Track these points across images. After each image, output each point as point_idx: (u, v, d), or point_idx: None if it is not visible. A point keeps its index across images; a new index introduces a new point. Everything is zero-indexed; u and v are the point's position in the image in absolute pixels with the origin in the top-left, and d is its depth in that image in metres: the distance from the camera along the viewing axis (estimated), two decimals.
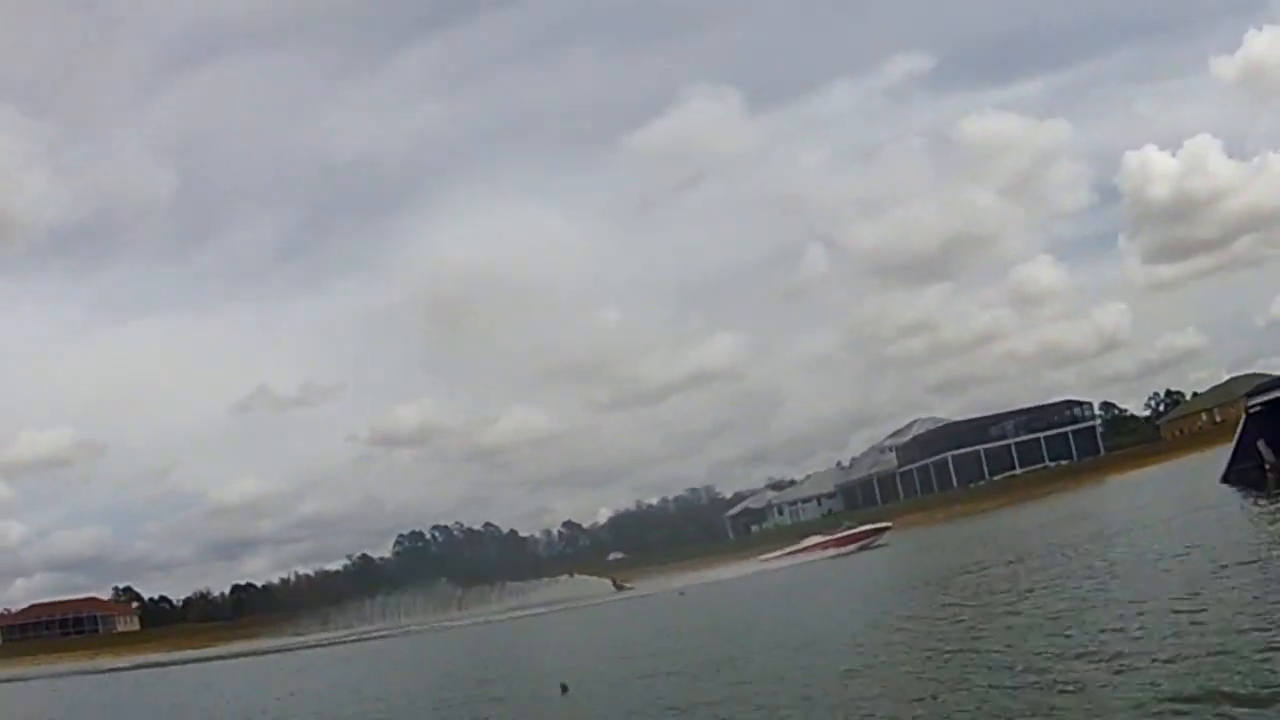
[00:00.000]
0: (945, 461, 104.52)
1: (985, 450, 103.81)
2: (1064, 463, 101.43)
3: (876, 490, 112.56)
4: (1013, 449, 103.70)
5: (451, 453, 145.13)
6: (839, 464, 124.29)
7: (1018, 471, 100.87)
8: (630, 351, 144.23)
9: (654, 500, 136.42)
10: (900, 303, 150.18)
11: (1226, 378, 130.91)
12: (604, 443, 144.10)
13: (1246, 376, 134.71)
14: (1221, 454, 40.61)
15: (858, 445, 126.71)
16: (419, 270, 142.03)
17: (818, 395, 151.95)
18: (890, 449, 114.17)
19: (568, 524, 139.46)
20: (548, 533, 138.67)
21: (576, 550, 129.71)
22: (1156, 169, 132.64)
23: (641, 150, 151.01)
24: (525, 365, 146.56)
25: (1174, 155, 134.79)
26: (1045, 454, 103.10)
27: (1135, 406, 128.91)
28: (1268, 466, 36.53)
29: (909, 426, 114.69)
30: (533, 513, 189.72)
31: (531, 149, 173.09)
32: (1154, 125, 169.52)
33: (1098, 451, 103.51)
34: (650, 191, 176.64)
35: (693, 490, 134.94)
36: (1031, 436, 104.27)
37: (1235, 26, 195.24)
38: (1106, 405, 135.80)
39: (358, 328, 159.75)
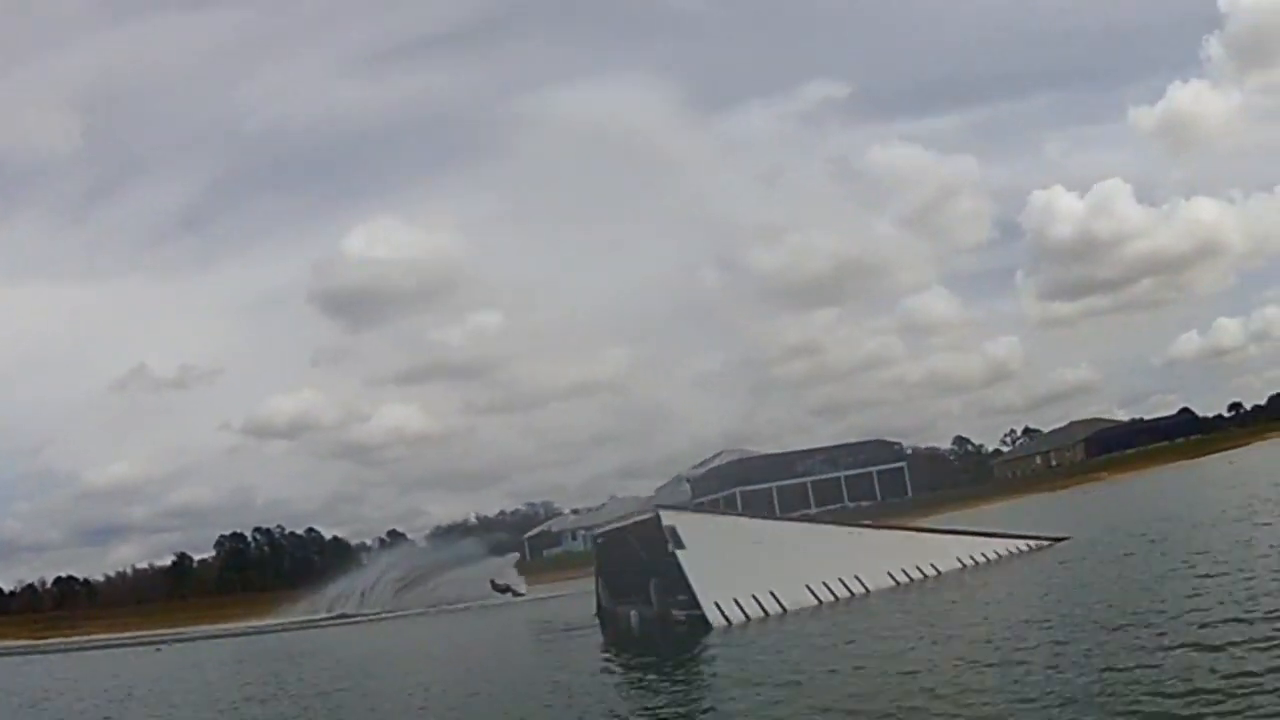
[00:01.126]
0: (734, 497, 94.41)
1: (778, 487, 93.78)
2: (864, 504, 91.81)
3: None
4: (809, 487, 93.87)
5: (324, 448, 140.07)
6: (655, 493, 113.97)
7: (811, 511, 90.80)
8: (513, 356, 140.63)
9: (493, 513, 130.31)
10: (791, 326, 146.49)
11: (1067, 421, 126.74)
12: (480, 446, 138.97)
13: (1086, 420, 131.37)
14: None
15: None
16: (313, 257, 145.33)
17: (701, 413, 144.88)
18: (687, 480, 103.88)
19: (391, 533, 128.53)
20: (380, 540, 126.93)
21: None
22: (1062, 209, 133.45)
23: (536, 154, 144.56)
24: (406, 363, 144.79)
25: (1082, 197, 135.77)
26: (845, 494, 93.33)
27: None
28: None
29: (715, 456, 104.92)
30: (404, 514, 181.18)
31: (437, 143, 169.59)
32: (1064, 167, 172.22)
33: (905, 493, 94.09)
34: (543, 196, 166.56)
35: (530, 504, 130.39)
36: (832, 475, 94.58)
37: (1161, 78, 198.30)
38: (961, 440, 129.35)
39: (244, 311, 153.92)
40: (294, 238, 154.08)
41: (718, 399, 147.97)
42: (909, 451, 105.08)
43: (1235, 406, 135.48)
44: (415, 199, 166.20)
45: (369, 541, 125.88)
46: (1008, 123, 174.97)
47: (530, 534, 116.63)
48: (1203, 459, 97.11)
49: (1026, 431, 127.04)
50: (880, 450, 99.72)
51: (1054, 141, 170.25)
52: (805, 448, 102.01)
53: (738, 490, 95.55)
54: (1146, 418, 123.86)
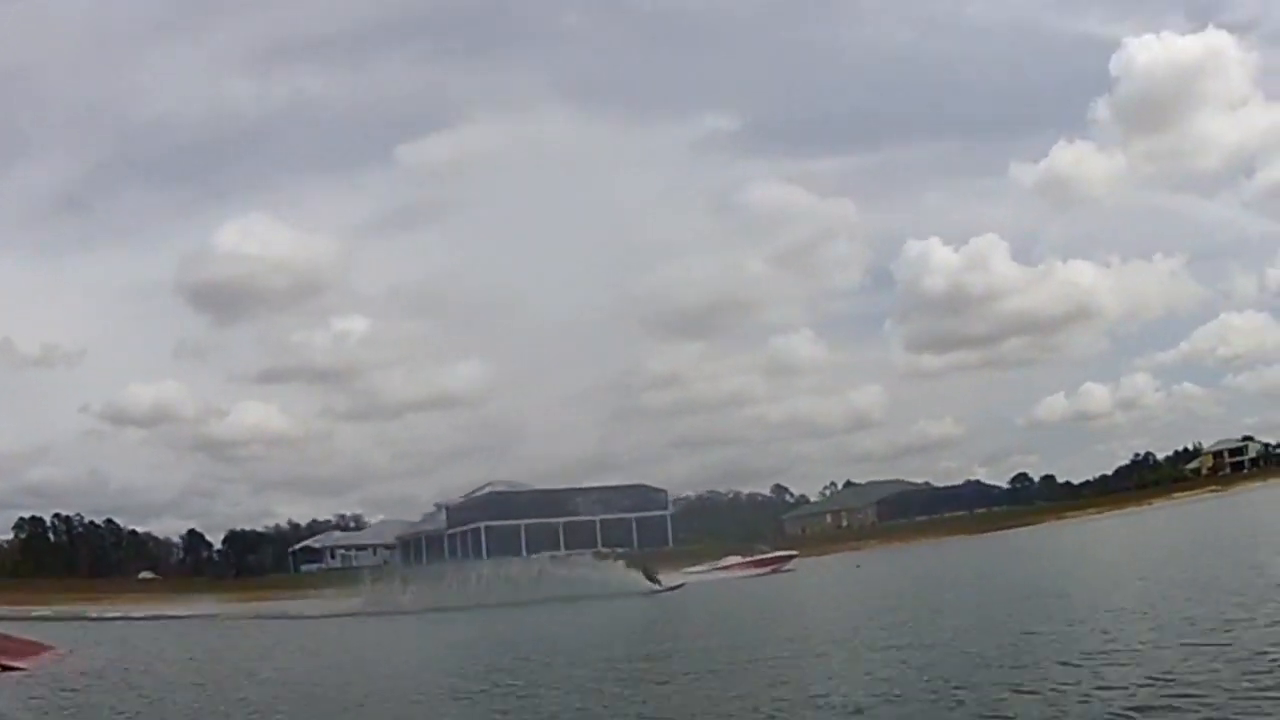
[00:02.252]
0: (480, 531, 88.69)
1: (527, 525, 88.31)
2: (619, 550, 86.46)
3: (424, 549, 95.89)
4: (560, 528, 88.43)
5: (181, 440, 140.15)
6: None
7: (560, 553, 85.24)
8: (375, 364, 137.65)
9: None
10: (656, 354, 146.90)
11: (867, 481, 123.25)
12: (335, 451, 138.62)
13: (888, 482, 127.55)
14: None
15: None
16: (187, 250, 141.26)
17: (559, 434, 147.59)
18: (445, 509, 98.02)
19: (190, 532, 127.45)
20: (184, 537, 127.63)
21: (198, 562, 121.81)
22: (937, 261, 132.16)
23: (414, 165, 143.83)
24: (268, 362, 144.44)
25: (957, 250, 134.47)
26: (599, 538, 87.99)
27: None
28: None
29: (483, 486, 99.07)
30: (255, 513, 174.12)
31: (317, 145, 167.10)
32: (942, 219, 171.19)
33: (666, 542, 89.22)
34: (421, 206, 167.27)
35: (340, 516, 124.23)
36: (586, 519, 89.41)
37: (1046, 137, 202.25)
38: (779, 489, 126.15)
39: (114, 297, 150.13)
40: (170, 228, 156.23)
41: (580, 421, 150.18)
42: (674, 498, 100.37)
43: (1046, 479, 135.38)
44: (290, 199, 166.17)
45: (175, 538, 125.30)
46: (890, 170, 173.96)
47: (294, 548, 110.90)
48: (988, 534, 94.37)
49: (848, 485, 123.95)
50: (646, 496, 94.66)
51: (934, 192, 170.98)
52: (582, 486, 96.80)
53: (483, 525, 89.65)
54: (941, 484, 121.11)
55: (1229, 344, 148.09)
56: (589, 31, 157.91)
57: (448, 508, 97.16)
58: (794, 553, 72.32)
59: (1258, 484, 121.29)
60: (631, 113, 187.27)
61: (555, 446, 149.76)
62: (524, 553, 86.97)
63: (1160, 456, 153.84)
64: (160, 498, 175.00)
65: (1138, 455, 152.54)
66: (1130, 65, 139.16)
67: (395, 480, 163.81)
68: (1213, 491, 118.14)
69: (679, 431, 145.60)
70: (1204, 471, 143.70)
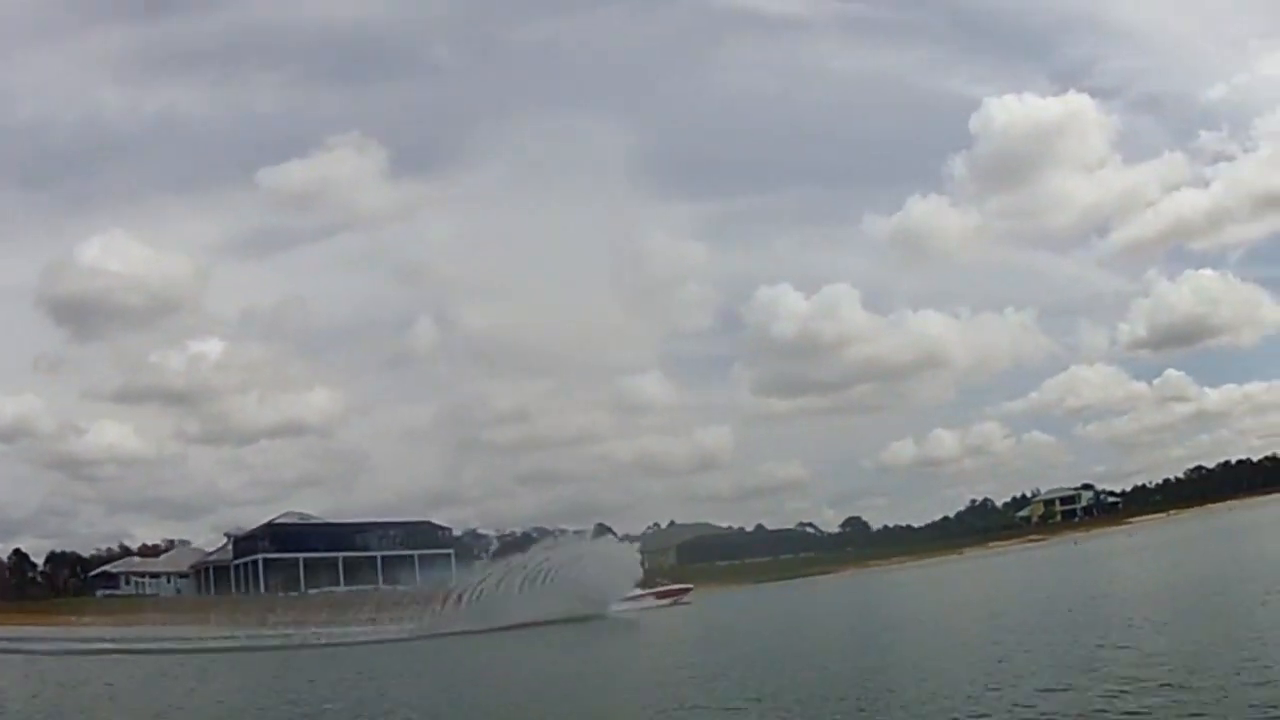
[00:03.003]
0: (257, 564, 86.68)
1: (305, 560, 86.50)
2: (398, 586, 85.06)
3: (211, 579, 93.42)
4: (340, 563, 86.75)
5: (38, 456, 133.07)
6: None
7: (339, 589, 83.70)
8: (226, 387, 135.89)
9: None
10: (500, 389, 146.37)
11: (667, 522, 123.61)
12: (189, 475, 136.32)
13: (681, 526, 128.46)
14: None
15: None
16: (50, 260, 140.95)
17: (405, 466, 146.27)
18: (232, 538, 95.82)
19: (16, 552, 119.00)
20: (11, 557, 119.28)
21: (22, 583, 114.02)
22: (787, 307, 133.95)
23: (273, 188, 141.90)
24: (125, 381, 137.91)
25: (808, 298, 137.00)
26: (380, 575, 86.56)
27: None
28: None
29: (282, 516, 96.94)
30: (110, 534, 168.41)
31: (182, 164, 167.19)
32: (795, 266, 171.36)
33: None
34: (276, 231, 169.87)
35: (168, 540, 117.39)
36: (368, 554, 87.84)
37: (901, 190, 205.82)
38: (601, 527, 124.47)
39: None
40: (35, 237, 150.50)
41: (422, 454, 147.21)
42: (500, 533, 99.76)
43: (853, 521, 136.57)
44: (154, 215, 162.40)
45: None
46: (745, 215, 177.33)
47: (93, 573, 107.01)
48: (783, 581, 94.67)
49: (672, 524, 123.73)
50: (429, 534, 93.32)
51: (788, 239, 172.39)
52: (367, 521, 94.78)
53: (261, 557, 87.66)
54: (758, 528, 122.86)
55: (1078, 395, 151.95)
56: (457, 67, 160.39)
57: (236, 538, 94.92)
58: (690, 586, 75.08)
59: (1083, 533, 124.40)
60: (482, 148, 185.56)
61: (402, 478, 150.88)
62: (303, 587, 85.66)
63: (1000, 503, 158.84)
64: (16, 515, 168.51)
65: (974, 500, 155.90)
66: (988, 124, 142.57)
67: (247, 506, 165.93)
68: (1032, 541, 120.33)
69: (526, 468, 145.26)
70: (1034, 519, 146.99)
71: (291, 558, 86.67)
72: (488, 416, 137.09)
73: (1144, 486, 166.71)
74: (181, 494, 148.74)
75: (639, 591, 68.81)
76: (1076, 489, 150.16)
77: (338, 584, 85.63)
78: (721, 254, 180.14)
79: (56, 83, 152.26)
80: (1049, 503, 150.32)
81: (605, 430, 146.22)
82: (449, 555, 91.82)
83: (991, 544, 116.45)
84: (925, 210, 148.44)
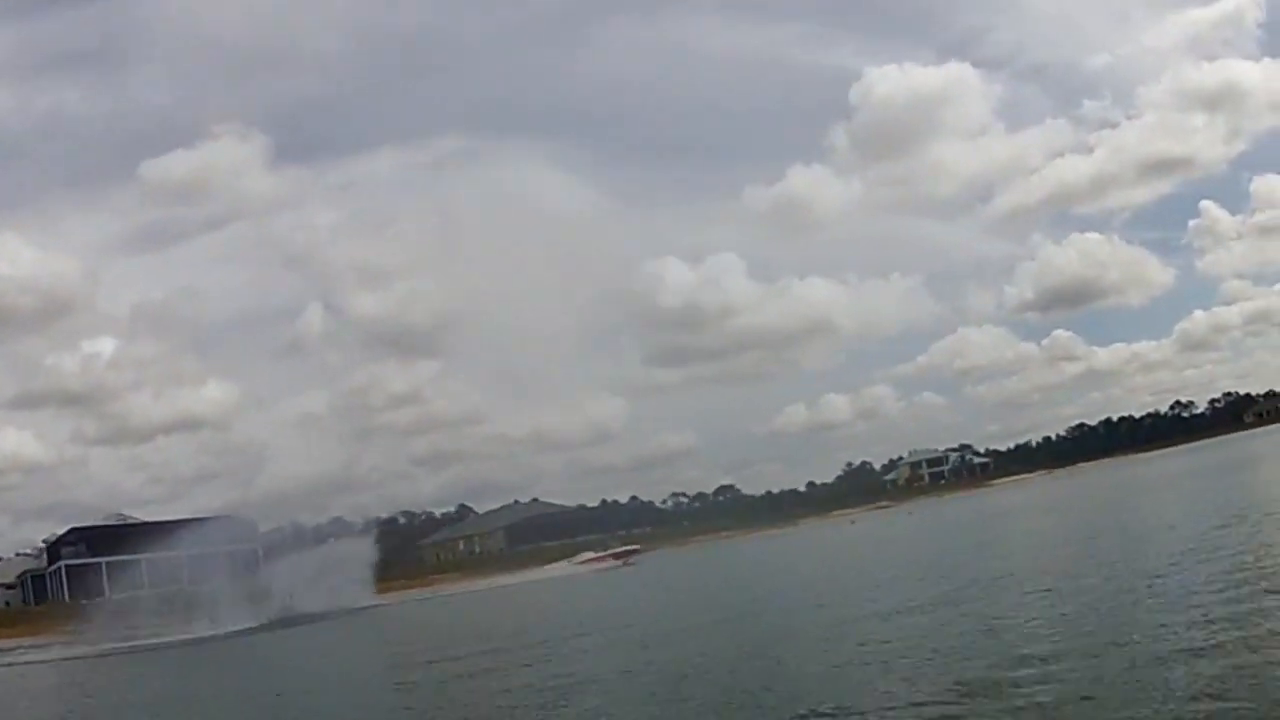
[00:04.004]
0: (60, 570, 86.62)
1: (108, 563, 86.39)
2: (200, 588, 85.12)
3: (30, 589, 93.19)
4: (143, 566, 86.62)
5: None
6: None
7: (143, 591, 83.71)
8: (122, 385, 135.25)
9: None
10: (392, 373, 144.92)
11: (512, 501, 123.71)
12: (91, 477, 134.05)
13: (525, 504, 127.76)
14: None
15: (339, 509, 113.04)
16: None
17: (302, 455, 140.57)
18: (45, 542, 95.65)
19: None
20: None
21: None
22: (672, 278, 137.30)
23: (157, 181, 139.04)
24: (20, 387, 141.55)
25: (693, 268, 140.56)
26: (187, 574, 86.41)
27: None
28: None
29: (106, 519, 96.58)
30: (20, 543, 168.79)
31: (66, 163, 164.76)
32: (679, 240, 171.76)
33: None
34: (161, 224, 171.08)
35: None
36: (173, 554, 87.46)
37: (783, 161, 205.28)
38: (464, 509, 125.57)
39: None
40: None
41: (319, 442, 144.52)
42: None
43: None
44: (42, 218, 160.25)
45: None
46: (625, 192, 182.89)
47: None
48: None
49: (516, 504, 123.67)
50: (236, 529, 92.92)
51: (671, 214, 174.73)
52: (171, 519, 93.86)
53: (64, 564, 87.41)
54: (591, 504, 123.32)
55: (967, 357, 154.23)
56: (337, 56, 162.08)
57: (48, 544, 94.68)
58: (637, 548, 79.35)
59: (947, 496, 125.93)
60: (366, 135, 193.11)
61: (301, 467, 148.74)
62: (106, 592, 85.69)
63: (879, 465, 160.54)
64: None
65: (850, 464, 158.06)
66: (868, 94, 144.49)
67: (150, 506, 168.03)
68: (881, 508, 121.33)
69: (422, 450, 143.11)
70: (900, 482, 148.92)
71: (95, 562, 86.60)
72: (382, 401, 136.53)
73: (1027, 444, 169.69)
74: (85, 497, 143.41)
75: (584, 556, 77.47)
76: (943, 451, 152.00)
77: (141, 587, 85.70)
78: (607, 228, 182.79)
79: None
80: (915, 465, 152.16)
81: (497, 408, 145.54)
82: (255, 550, 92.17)
83: (835, 513, 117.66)
84: (807, 180, 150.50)
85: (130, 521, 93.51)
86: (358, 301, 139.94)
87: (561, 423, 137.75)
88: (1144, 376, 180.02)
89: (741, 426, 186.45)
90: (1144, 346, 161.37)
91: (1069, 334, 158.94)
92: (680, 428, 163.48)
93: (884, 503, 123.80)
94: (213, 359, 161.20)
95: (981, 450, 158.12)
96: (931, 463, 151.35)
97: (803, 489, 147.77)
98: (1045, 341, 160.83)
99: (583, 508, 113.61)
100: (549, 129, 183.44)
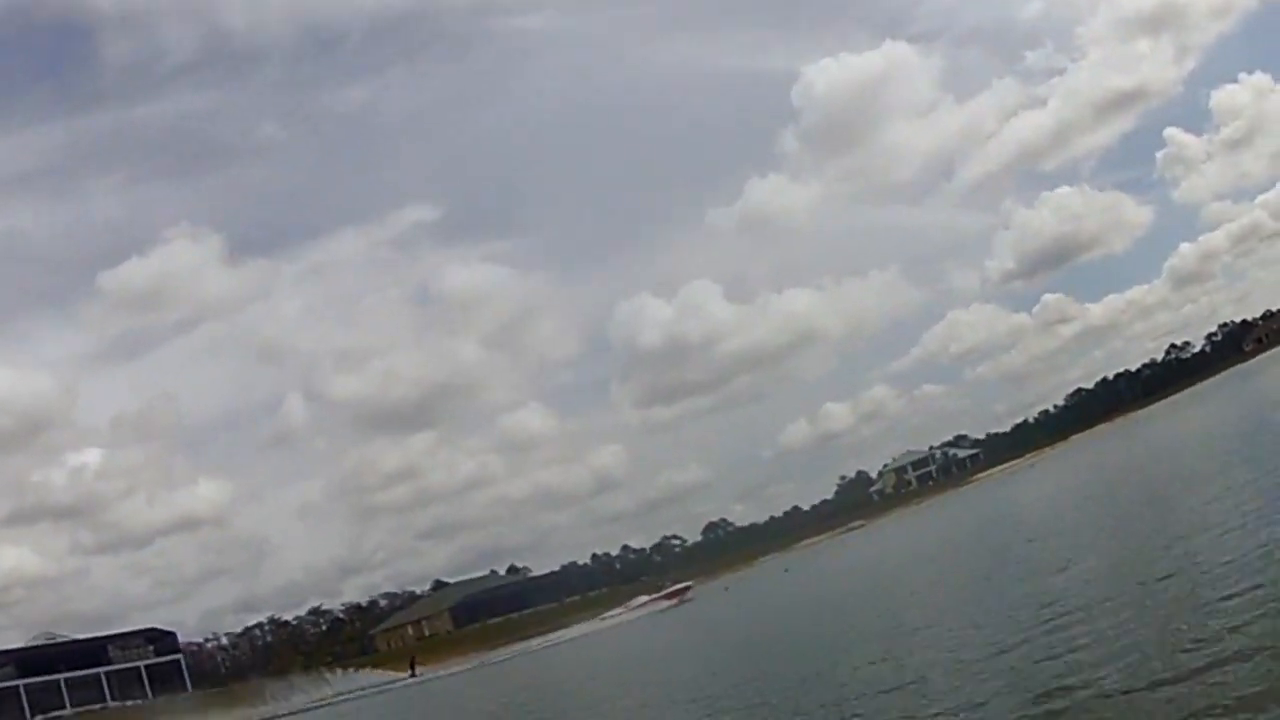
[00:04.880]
0: None
1: (26, 686, 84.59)
2: (130, 703, 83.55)
3: None
4: (62, 684, 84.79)
5: None
6: None
7: (65, 712, 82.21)
8: (113, 494, 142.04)
9: None
10: (384, 451, 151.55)
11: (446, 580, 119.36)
12: (94, 587, 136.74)
13: (462, 583, 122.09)
14: None
15: (351, 593, 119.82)
16: None
17: (306, 542, 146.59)
18: None
19: None
20: None
21: None
22: (649, 316, 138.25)
23: (119, 291, 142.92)
24: (10, 505, 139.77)
25: (669, 302, 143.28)
26: (109, 691, 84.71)
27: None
28: None
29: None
30: None
31: (32, 280, 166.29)
32: (647, 274, 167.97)
33: (185, 687, 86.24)
34: (131, 333, 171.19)
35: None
36: (93, 671, 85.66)
37: (738, 176, 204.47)
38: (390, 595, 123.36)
39: None
40: None
41: (320, 528, 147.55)
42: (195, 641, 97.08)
43: None
44: (10, 337, 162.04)
45: None
46: (587, 237, 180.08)
47: None
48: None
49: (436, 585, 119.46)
50: (152, 642, 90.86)
51: (635, 250, 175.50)
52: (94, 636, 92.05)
53: None
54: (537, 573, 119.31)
55: (961, 339, 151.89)
56: (282, 143, 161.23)
57: None
58: (691, 584, 77.12)
59: (928, 500, 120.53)
60: (324, 218, 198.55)
61: (305, 555, 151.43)
62: (28, 713, 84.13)
63: (875, 471, 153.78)
64: None
65: (843, 477, 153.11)
66: (810, 92, 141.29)
67: (158, 609, 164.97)
68: (850, 530, 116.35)
69: (426, 523, 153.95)
70: (888, 490, 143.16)
71: (14, 685, 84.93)
72: (377, 480, 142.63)
73: (1025, 422, 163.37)
74: (92, 607, 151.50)
75: (639, 600, 76.24)
76: (928, 450, 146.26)
77: (64, 707, 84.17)
78: (573, 280, 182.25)
79: None
80: (901, 470, 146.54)
81: (496, 472, 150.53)
82: (178, 662, 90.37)
83: (801, 543, 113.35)
84: (765, 191, 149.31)
85: (58, 640, 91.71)
86: (337, 385, 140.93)
87: (563, 478, 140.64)
88: (1143, 323, 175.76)
89: (747, 451, 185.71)
90: (1137, 292, 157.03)
91: (1059, 296, 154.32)
92: (685, 463, 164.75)
93: (857, 522, 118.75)
94: (201, 458, 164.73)
95: (981, 436, 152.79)
96: (917, 464, 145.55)
97: (807, 508, 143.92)
98: (1036, 309, 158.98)
99: (530, 577, 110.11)
100: (499, 189, 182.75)
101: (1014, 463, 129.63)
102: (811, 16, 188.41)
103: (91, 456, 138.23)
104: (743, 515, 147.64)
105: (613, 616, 74.42)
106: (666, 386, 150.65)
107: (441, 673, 69.24)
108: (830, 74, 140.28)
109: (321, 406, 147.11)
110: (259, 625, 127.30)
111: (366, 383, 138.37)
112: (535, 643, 73.07)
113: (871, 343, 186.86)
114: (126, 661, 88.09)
